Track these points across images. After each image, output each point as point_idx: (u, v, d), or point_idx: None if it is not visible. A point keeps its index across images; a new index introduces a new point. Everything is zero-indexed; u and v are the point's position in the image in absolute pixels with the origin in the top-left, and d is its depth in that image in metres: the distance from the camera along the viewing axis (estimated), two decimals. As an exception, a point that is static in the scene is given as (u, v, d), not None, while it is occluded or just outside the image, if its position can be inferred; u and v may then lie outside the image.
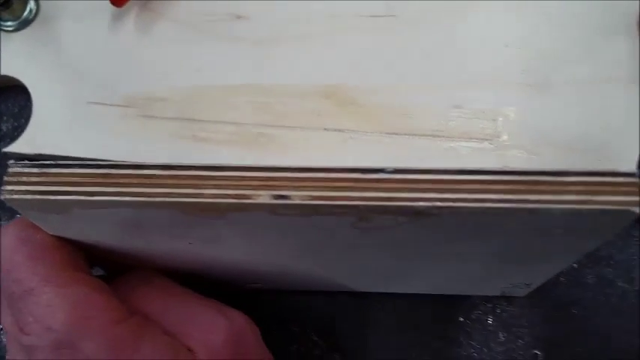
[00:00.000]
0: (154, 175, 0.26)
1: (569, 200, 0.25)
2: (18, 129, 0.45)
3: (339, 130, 0.43)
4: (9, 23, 0.45)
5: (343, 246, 0.31)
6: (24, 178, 0.26)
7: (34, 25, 0.46)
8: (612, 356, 0.41)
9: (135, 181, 0.26)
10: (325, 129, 0.43)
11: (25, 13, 0.45)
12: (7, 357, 0.32)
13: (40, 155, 0.43)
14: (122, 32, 0.45)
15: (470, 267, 0.35)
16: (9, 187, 0.26)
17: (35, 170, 0.27)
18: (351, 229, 0.28)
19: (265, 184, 0.26)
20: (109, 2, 0.44)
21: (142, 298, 0.33)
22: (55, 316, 0.28)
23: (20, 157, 0.42)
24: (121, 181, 0.26)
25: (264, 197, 0.26)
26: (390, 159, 0.42)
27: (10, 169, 0.27)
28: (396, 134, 0.42)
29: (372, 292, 0.42)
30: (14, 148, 0.43)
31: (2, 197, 0.26)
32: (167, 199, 0.26)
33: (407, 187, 0.26)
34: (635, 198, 0.25)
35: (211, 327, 0.32)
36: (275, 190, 0.26)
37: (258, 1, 0.46)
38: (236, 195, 0.26)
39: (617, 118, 0.43)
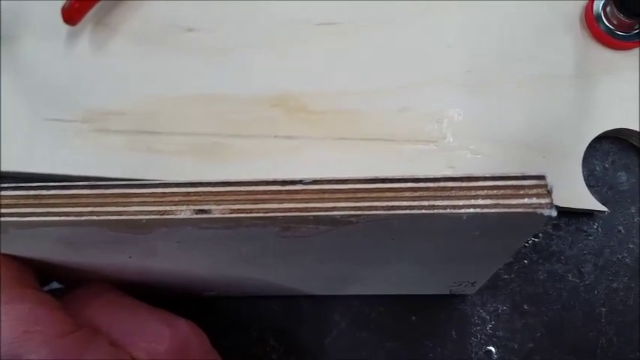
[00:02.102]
0: (82, 194, 0.27)
1: (476, 205, 0.26)
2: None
3: (290, 137, 0.44)
4: (-31, 45, 0.46)
5: (279, 253, 0.32)
6: None
7: (-6, 45, 0.47)
8: (565, 351, 0.42)
9: (64, 201, 0.27)
10: (276, 136, 0.44)
11: (-16, 34, 0.46)
12: None
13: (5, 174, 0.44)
14: (78, 49, 0.46)
15: (407, 268, 0.36)
16: None
17: None
18: (278, 238, 0.29)
19: (187, 200, 0.27)
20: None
21: (92, 311, 0.34)
22: (0, 332, 0.29)
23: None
24: (51, 201, 0.27)
25: (185, 212, 0.27)
26: (340, 164, 0.43)
27: None
28: (346, 139, 0.43)
29: (328, 295, 0.43)
30: (-24, 167, 0.44)
31: None
32: (93, 218, 0.27)
33: (323, 197, 0.27)
34: (544, 200, 0.26)
35: (155, 336, 0.33)
36: (196, 204, 0.27)
37: (209, 12, 0.47)
38: (158, 211, 0.27)
39: (561, 115, 0.43)
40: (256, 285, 0.39)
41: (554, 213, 0.26)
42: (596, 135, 0.44)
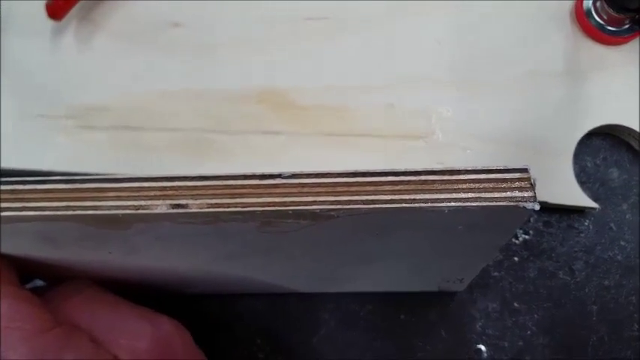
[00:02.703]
0: (58, 189, 0.27)
1: (458, 198, 0.25)
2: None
3: (277, 133, 0.43)
4: (-47, 42, 0.46)
5: (261, 250, 0.32)
6: None
7: (-22, 42, 0.46)
8: (556, 349, 0.41)
9: (39, 195, 0.27)
10: (263, 132, 0.43)
11: (-31, 31, 0.46)
12: None
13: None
14: (63, 45, 0.46)
15: (394, 265, 0.35)
16: None
17: None
18: (259, 233, 0.29)
19: (163, 194, 0.26)
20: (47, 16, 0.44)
21: (72, 308, 0.34)
22: None
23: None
24: (27, 196, 0.27)
25: (161, 207, 0.26)
26: (327, 160, 0.42)
27: None
28: (333, 135, 0.43)
29: (316, 293, 0.42)
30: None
31: None
32: (68, 213, 0.26)
33: (303, 191, 0.26)
34: (526, 193, 0.26)
35: (136, 334, 0.33)
36: (173, 199, 0.26)
37: (193, 8, 0.46)
38: (134, 206, 0.26)
39: (552, 111, 0.43)
40: (240, 282, 0.39)
41: (537, 206, 0.26)
42: (587, 131, 0.43)
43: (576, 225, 0.43)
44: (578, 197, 0.42)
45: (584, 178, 0.44)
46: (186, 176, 0.27)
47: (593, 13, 0.45)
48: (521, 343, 0.42)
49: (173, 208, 0.26)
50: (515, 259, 0.43)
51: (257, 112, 0.44)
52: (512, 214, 0.26)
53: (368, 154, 0.43)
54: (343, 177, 0.26)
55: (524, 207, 0.26)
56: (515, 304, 0.42)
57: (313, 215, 0.26)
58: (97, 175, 0.39)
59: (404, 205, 0.25)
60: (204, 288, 0.41)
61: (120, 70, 0.45)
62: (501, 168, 0.26)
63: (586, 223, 0.43)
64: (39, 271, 0.36)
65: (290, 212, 0.26)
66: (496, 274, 0.42)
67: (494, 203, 0.25)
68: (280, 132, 0.44)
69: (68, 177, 0.27)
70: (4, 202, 0.27)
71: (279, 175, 0.27)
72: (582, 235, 0.43)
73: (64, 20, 0.46)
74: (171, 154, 0.43)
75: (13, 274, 0.33)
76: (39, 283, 0.38)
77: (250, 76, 0.45)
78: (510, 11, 0.45)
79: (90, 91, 0.45)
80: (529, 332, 0.42)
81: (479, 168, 0.26)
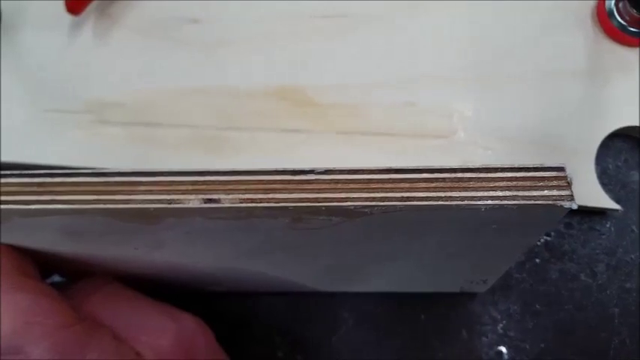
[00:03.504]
0: (87, 182, 0.27)
1: (495, 196, 0.25)
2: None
3: (294, 131, 0.43)
4: (-30, 35, 0.45)
5: (287, 247, 0.32)
6: None
7: (-5, 35, 0.46)
8: (577, 351, 0.41)
9: (68, 188, 0.26)
10: (279, 130, 0.43)
11: (-14, 24, 0.46)
12: None
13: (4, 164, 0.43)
14: (80, 39, 0.46)
15: (421, 264, 0.35)
16: None
17: None
18: (288, 230, 0.28)
19: (195, 189, 0.26)
20: (66, 11, 0.44)
21: (94, 304, 0.33)
22: (1, 323, 0.29)
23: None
24: (55, 189, 0.27)
25: (194, 202, 0.26)
26: (344, 158, 0.42)
27: None
28: (351, 133, 0.43)
29: (335, 292, 0.42)
30: (-25, 158, 0.43)
31: None
32: (98, 206, 0.26)
33: (336, 187, 0.26)
34: (563, 192, 0.25)
35: (159, 331, 0.33)
36: (205, 194, 0.26)
37: (211, 4, 0.46)
38: (166, 200, 0.26)
39: (573, 112, 0.43)
40: (262, 280, 0.39)
41: (574, 205, 0.25)
42: (609, 132, 0.43)
43: (598, 227, 0.43)
44: (600, 199, 0.42)
45: (606, 180, 0.44)
46: (218, 171, 0.26)
47: (616, 14, 0.44)
48: (542, 345, 0.41)
49: (205, 203, 0.26)
50: (537, 260, 0.42)
51: (272, 110, 0.44)
52: (548, 213, 0.26)
53: (386, 153, 0.42)
54: (377, 173, 0.26)
55: (561, 206, 0.25)
56: (537, 306, 0.42)
57: (346, 212, 0.26)
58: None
59: (440, 202, 0.25)
60: (223, 286, 0.41)
61: (135, 66, 0.45)
62: (538, 166, 0.26)
63: (607, 225, 0.43)
64: (58, 267, 0.36)
65: (323, 208, 0.26)
66: (517, 275, 0.42)
67: (531, 202, 0.25)
68: (296, 130, 0.43)
69: (98, 170, 0.27)
70: (31, 194, 0.27)
71: (311, 171, 0.26)
72: (604, 237, 0.43)
73: (82, 15, 0.45)
74: (185, 150, 0.43)
75: (34, 268, 0.33)
76: (56, 279, 0.38)
77: (266, 74, 0.45)
78: (531, 10, 0.45)
79: (105, 87, 0.45)
80: (550, 334, 0.41)
81: (515, 166, 0.26)
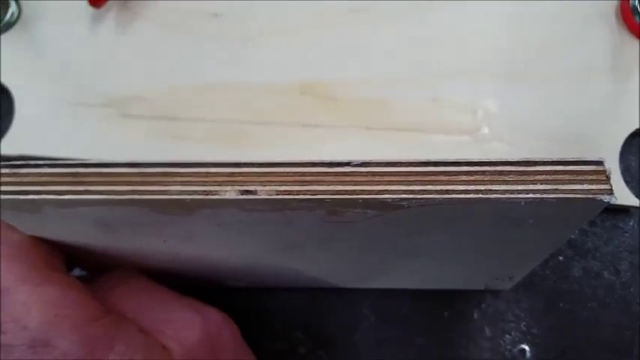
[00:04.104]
0: (121, 172, 0.26)
1: (534, 190, 0.25)
2: (0, 131, 0.45)
3: (317, 126, 0.43)
4: (-9, 27, 0.45)
5: (318, 241, 0.31)
6: None
7: (15, 27, 0.46)
8: (600, 349, 0.41)
9: (102, 179, 0.26)
10: (303, 125, 0.43)
11: (7, 17, 0.45)
12: None
13: (23, 157, 0.43)
14: (102, 33, 0.46)
15: (449, 260, 0.35)
16: None
17: (6, 170, 0.27)
18: (322, 223, 0.28)
19: (232, 180, 0.26)
20: (88, 3, 0.44)
21: (119, 297, 0.33)
22: (30, 315, 0.29)
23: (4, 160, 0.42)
24: (89, 179, 0.26)
25: (230, 193, 0.26)
26: (368, 154, 0.41)
27: None
28: (374, 129, 0.42)
29: (357, 288, 0.42)
30: (-4, 150, 0.43)
31: None
32: (134, 197, 0.26)
33: (373, 179, 0.26)
34: (603, 186, 0.25)
35: (186, 325, 0.32)
36: (242, 185, 0.26)
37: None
38: (202, 191, 0.26)
39: (597, 109, 0.42)
40: (285, 275, 0.38)
41: (614, 199, 0.25)
42: (632, 130, 0.43)
43: (621, 225, 0.43)
44: (624, 196, 0.41)
45: (629, 177, 0.43)
46: (254, 162, 0.26)
47: (640, 11, 0.44)
48: (565, 342, 0.41)
49: (242, 194, 0.26)
50: (560, 258, 0.42)
51: (295, 104, 0.43)
52: (586, 207, 0.26)
53: (410, 148, 0.42)
54: (415, 166, 0.26)
55: (600, 200, 0.25)
56: (560, 304, 0.41)
57: (383, 205, 0.26)
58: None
59: (480, 195, 0.25)
60: (244, 281, 0.40)
61: (158, 60, 0.45)
62: (577, 160, 0.25)
63: (631, 223, 0.43)
64: (81, 260, 0.35)
65: (360, 201, 0.26)
66: (540, 273, 0.42)
67: (572, 195, 0.25)
68: (319, 125, 0.43)
69: (133, 161, 0.26)
70: (65, 184, 0.26)
71: (348, 163, 0.26)
72: (627, 234, 0.43)
73: (103, 8, 0.45)
74: (208, 145, 0.43)
75: (62, 261, 0.33)
76: (77, 273, 0.37)
77: (289, 68, 0.44)
78: (556, 8, 0.45)
79: (128, 81, 0.44)
80: (574, 332, 0.41)
81: (555, 159, 0.25)
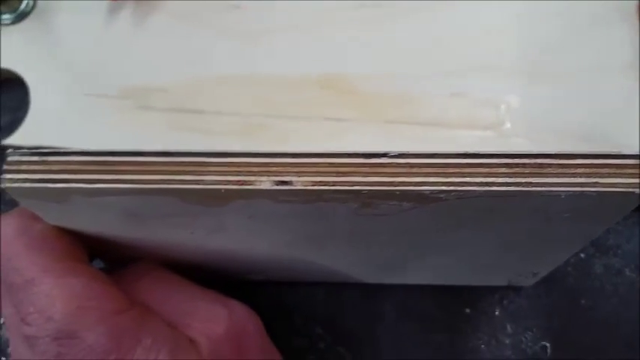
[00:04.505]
0: (154, 162, 0.26)
1: (574, 183, 0.25)
2: (16, 122, 0.44)
3: (338, 120, 0.42)
4: (6, 16, 0.45)
5: (347, 234, 0.31)
6: (23, 167, 0.26)
7: (31, 18, 0.45)
8: (621, 346, 0.41)
9: (134, 168, 0.26)
10: (324, 118, 0.42)
11: (22, 7, 0.45)
12: (10, 348, 0.31)
13: (38, 148, 0.42)
14: (119, 23, 0.45)
15: (476, 255, 0.34)
16: (9, 176, 0.26)
17: (35, 158, 0.26)
18: (353, 216, 0.28)
19: (267, 170, 0.25)
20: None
21: (142, 290, 0.33)
22: (54, 306, 0.28)
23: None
24: (120, 168, 0.26)
25: (265, 183, 0.25)
26: (388, 148, 0.41)
27: (10, 158, 0.26)
28: (396, 123, 0.42)
29: (377, 284, 0.41)
30: (12, 140, 0.42)
31: (2, 186, 0.26)
32: (167, 186, 0.25)
33: (411, 171, 0.25)
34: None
35: (212, 318, 0.32)
36: (277, 175, 0.25)
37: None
38: (237, 181, 0.25)
39: (619, 106, 0.42)
40: (308, 269, 0.38)
41: (655, 194, 0.25)
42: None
43: (643, 222, 0.43)
44: (646, 193, 0.41)
45: (650, 174, 0.43)
46: (289, 153, 0.26)
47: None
48: (586, 339, 0.41)
49: (277, 185, 0.25)
50: (582, 255, 0.42)
51: (317, 98, 0.43)
52: (625, 201, 0.26)
53: (432, 143, 0.42)
54: (454, 158, 0.25)
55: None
56: (582, 301, 0.41)
57: (420, 197, 0.25)
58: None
59: (520, 188, 0.25)
60: (264, 274, 0.40)
61: (176, 52, 0.44)
62: (617, 154, 0.25)
63: (653, 221, 0.43)
64: (102, 252, 0.35)
65: (397, 193, 0.25)
66: (562, 269, 0.42)
67: (612, 189, 0.25)
68: (340, 118, 0.43)
69: (166, 150, 0.26)
70: (95, 173, 0.26)
71: (385, 155, 0.26)
72: (649, 232, 0.42)
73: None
74: (229, 138, 0.42)
75: (84, 252, 0.32)
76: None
77: (311, 61, 0.44)
78: (576, 4, 0.44)
79: (145, 73, 0.44)
80: (595, 329, 0.41)
81: (594, 153, 0.25)
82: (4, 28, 0.45)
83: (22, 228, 0.30)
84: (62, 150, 0.26)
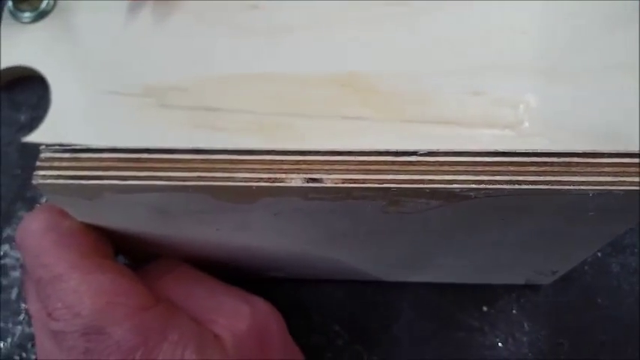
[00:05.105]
0: (186, 159, 0.26)
1: (602, 182, 0.25)
2: (36, 119, 0.44)
3: (357, 118, 0.42)
4: (27, 15, 0.45)
5: (371, 232, 0.31)
6: (55, 163, 0.26)
7: (51, 16, 0.45)
8: (638, 345, 0.41)
9: (166, 165, 0.26)
10: (343, 117, 0.42)
11: (43, 5, 0.45)
12: (36, 342, 0.31)
13: (59, 145, 0.42)
14: (139, 22, 0.45)
15: (498, 254, 0.35)
16: (41, 173, 0.26)
17: (67, 155, 0.27)
18: (380, 214, 0.28)
19: (297, 168, 0.26)
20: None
21: (167, 286, 0.33)
22: (82, 302, 0.28)
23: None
24: (153, 165, 0.26)
25: (296, 180, 0.25)
26: (409, 147, 0.41)
27: (42, 155, 0.27)
28: (415, 122, 0.42)
29: (396, 282, 0.42)
30: (33, 138, 0.43)
31: (34, 182, 0.26)
32: (199, 183, 0.26)
33: (441, 169, 0.26)
34: None
35: (236, 314, 0.32)
36: (307, 173, 0.26)
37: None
38: (268, 178, 0.26)
39: (633, 105, 0.42)
40: (328, 267, 0.38)
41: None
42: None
43: (659, 221, 0.43)
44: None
45: (665, 174, 0.43)
46: (320, 150, 0.26)
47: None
48: (603, 338, 0.41)
49: (308, 182, 0.25)
50: (598, 254, 0.42)
51: (335, 97, 0.43)
52: None
53: (450, 142, 0.42)
54: (484, 156, 0.26)
55: None
56: (598, 300, 0.41)
57: (449, 195, 0.26)
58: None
59: (550, 187, 0.25)
60: (284, 272, 0.40)
61: (198, 51, 0.44)
62: None
63: (669, 220, 0.43)
64: (126, 249, 0.35)
65: (426, 191, 0.25)
66: (579, 268, 0.42)
67: (638, 187, 0.25)
68: (358, 117, 0.43)
69: (197, 147, 0.26)
70: (128, 170, 0.26)
71: (414, 153, 0.26)
72: (665, 231, 0.43)
73: (141, -2, 0.45)
74: (249, 136, 0.42)
75: (111, 248, 0.33)
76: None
77: (329, 60, 0.44)
78: (594, 4, 0.45)
79: (167, 71, 0.44)
80: (612, 328, 0.41)
81: (621, 152, 0.25)
82: (25, 27, 0.45)
83: (50, 224, 0.30)
84: (94, 147, 0.27)
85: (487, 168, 0.25)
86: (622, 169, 0.25)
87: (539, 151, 0.25)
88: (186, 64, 0.44)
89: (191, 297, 0.33)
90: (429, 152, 0.26)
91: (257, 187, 0.25)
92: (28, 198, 0.44)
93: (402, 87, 0.42)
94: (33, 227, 0.30)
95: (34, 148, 0.42)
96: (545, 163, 0.25)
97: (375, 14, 0.44)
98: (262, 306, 0.34)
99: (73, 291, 0.29)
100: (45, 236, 0.30)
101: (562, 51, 0.43)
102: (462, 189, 0.25)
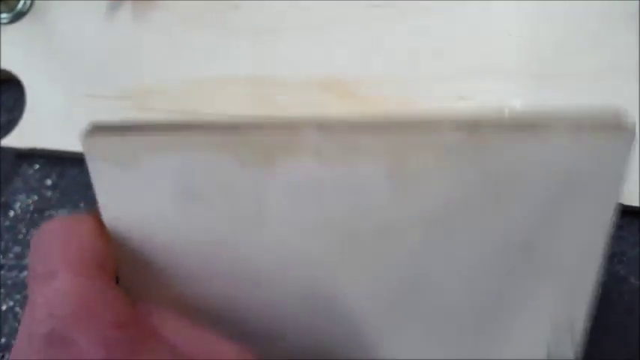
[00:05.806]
0: (217, 125, 0.28)
1: None
2: (12, 122, 0.43)
3: (339, 124, 0.42)
4: (3, 15, 0.45)
5: (381, 224, 0.29)
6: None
7: (28, 17, 0.45)
8: (627, 355, 0.40)
9: (197, 130, 0.27)
10: (323, 122, 0.42)
11: (20, 6, 0.45)
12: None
13: (33, 149, 0.41)
14: (118, 23, 0.45)
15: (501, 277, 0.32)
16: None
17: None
18: (385, 183, 0.27)
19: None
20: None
21: (157, 317, 0.32)
22: (60, 302, 0.27)
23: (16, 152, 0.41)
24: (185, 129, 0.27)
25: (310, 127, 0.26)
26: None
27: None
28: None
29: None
30: (6, 142, 0.42)
31: (82, 141, 0.28)
32: (230, 137, 0.27)
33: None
34: None
35: (220, 353, 0.31)
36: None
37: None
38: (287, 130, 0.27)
39: (629, 107, 0.42)
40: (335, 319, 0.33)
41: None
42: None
43: (647, 228, 0.43)
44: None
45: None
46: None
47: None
48: (590, 347, 0.40)
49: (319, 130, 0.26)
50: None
51: (319, 101, 0.43)
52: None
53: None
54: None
55: None
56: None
57: (475, 125, 0.27)
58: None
59: None
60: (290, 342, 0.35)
61: (177, 52, 0.44)
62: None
63: (657, 227, 0.43)
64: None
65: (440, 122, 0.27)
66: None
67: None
68: (344, 121, 0.42)
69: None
70: (160, 130, 0.27)
71: None
72: (653, 238, 0.43)
73: (120, -1, 0.45)
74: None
75: (113, 263, 0.31)
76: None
77: (311, 64, 0.44)
78: (583, 6, 0.45)
79: (146, 72, 0.44)
80: (599, 338, 0.40)
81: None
82: (1, 28, 0.44)
83: (67, 226, 0.30)
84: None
85: None
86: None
87: None
88: (167, 65, 0.44)
89: (179, 333, 0.32)
90: None
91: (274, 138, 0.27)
92: (2, 203, 0.43)
93: (386, 91, 0.43)
94: (49, 224, 0.30)
95: (9, 152, 0.41)
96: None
97: (360, 17, 0.45)
98: (248, 354, 0.32)
99: (57, 288, 0.28)
100: (56, 234, 0.30)
101: (549, 54, 0.44)
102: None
